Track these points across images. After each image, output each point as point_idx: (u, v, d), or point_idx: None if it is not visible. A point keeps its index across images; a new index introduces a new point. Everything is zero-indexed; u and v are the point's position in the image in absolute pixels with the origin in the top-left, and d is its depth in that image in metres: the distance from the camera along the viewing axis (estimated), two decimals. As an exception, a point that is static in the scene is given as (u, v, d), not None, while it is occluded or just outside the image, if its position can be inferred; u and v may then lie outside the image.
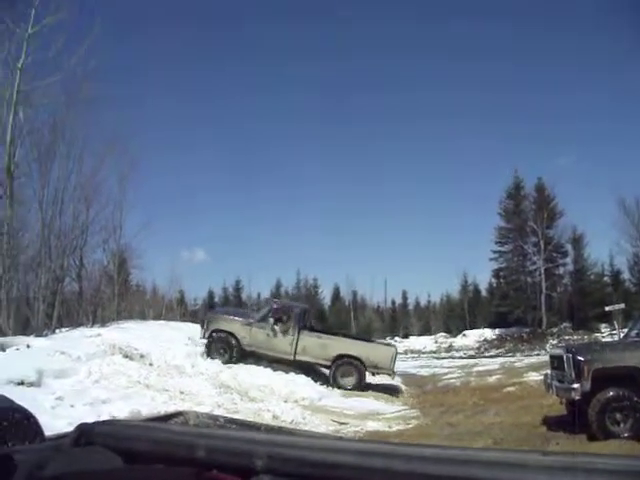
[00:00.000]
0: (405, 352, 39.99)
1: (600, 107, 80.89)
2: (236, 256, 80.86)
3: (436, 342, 45.41)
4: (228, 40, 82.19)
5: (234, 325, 17.85)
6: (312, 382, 16.37)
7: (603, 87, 79.13)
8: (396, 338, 47.85)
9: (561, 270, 50.32)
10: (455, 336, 47.93)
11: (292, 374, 16.76)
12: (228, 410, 11.99)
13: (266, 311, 18.58)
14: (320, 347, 17.79)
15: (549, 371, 12.07)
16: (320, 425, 11.86)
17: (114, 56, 53.45)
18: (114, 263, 27.25)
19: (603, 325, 40.33)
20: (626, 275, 51.98)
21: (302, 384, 16.00)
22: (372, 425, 12.28)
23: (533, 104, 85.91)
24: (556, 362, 11.30)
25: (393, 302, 63.32)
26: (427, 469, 1.05)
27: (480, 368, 18.84)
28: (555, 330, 43.22)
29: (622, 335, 14.54)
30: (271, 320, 17.88)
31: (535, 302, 46.38)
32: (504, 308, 48.94)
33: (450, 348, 41.98)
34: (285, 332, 17.66)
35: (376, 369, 17.78)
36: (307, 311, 20.14)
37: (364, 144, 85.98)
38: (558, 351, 11.50)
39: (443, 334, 50.10)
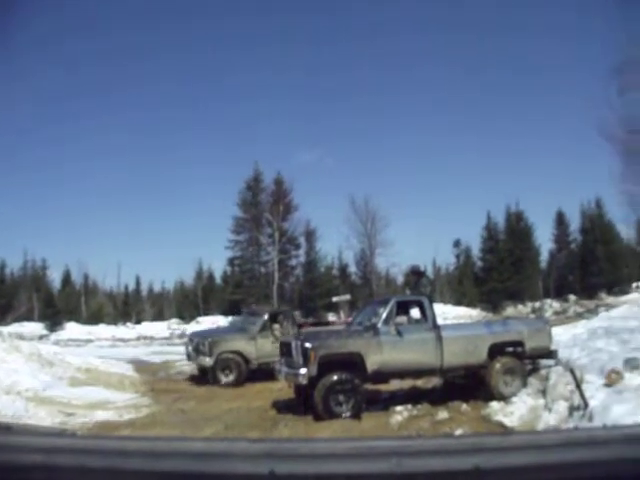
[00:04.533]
0: (138, 338, 39.33)
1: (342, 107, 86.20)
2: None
3: (169, 328, 45.00)
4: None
5: (239, 343, 16.60)
6: (36, 371, 15.41)
7: (349, 86, 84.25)
8: (128, 324, 46.81)
9: (294, 262, 52.81)
10: (188, 323, 47.90)
11: (14, 363, 15.67)
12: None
13: (264, 319, 17.32)
14: None
15: (277, 357, 12.60)
16: (45, 418, 11.14)
17: None
18: None
19: (330, 314, 42.69)
20: (353, 268, 55.87)
21: (26, 374, 15.00)
22: (102, 415, 11.85)
23: (273, 99, 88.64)
24: (285, 349, 11.85)
25: (126, 287, 61.89)
26: (127, 464, 1.04)
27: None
28: (285, 319, 44.84)
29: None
30: (276, 326, 17.04)
31: (268, 291, 47.89)
32: (238, 296, 49.94)
33: (183, 334, 41.76)
34: (286, 335, 16.49)
35: None
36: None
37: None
38: (287, 338, 12.02)
39: (176, 320, 49.88)
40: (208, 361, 16.35)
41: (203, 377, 16.79)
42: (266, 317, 17.47)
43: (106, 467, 1.03)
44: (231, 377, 16.24)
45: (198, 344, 16.97)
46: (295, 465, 1.01)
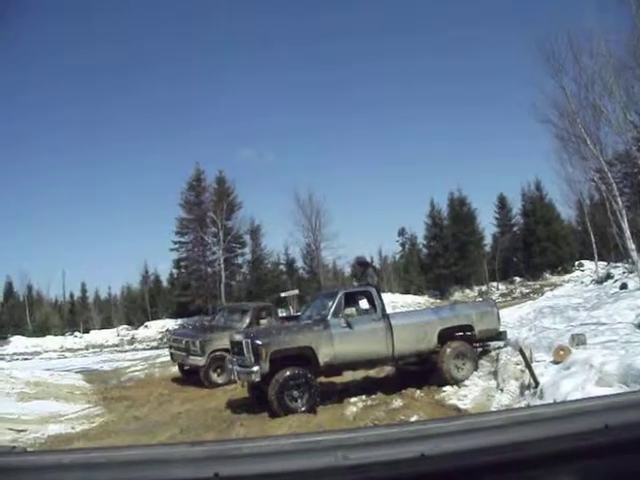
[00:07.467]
0: (87, 347, 38.71)
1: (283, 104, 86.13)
2: None
3: (118, 335, 44.44)
4: None
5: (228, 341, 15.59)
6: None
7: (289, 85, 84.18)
8: (76, 333, 45.96)
9: (240, 260, 52.58)
10: (137, 328, 47.41)
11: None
12: None
13: (250, 314, 16.76)
14: None
15: (229, 356, 12.52)
16: (-4, 436, 10.90)
17: None
18: None
19: (280, 310, 42.66)
20: (300, 263, 56.08)
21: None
22: (54, 428, 11.57)
23: (215, 96, 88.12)
24: (236, 347, 11.75)
25: (72, 295, 60.73)
26: (63, 478, 1.01)
27: (163, 359, 18.86)
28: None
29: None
30: (263, 321, 16.51)
31: (215, 291, 47.53)
32: (186, 298, 49.63)
33: (133, 340, 41.39)
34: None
35: None
36: None
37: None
38: (238, 336, 11.91)
39: (125, 326, 49.26)
40: (200, 361, 15.73)
41: (187, 378, 16.50)
42: (253, 313, 17.05)
43: None
44: (224, 376, 15.38)
45: (188, 344, 16.25)
46: (239, 466, 1.00)
